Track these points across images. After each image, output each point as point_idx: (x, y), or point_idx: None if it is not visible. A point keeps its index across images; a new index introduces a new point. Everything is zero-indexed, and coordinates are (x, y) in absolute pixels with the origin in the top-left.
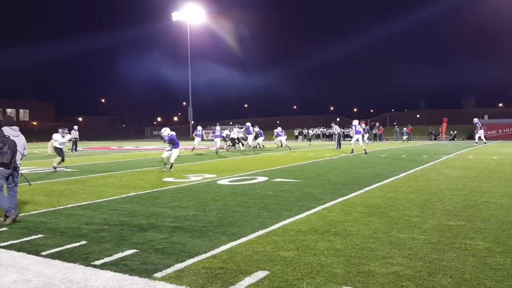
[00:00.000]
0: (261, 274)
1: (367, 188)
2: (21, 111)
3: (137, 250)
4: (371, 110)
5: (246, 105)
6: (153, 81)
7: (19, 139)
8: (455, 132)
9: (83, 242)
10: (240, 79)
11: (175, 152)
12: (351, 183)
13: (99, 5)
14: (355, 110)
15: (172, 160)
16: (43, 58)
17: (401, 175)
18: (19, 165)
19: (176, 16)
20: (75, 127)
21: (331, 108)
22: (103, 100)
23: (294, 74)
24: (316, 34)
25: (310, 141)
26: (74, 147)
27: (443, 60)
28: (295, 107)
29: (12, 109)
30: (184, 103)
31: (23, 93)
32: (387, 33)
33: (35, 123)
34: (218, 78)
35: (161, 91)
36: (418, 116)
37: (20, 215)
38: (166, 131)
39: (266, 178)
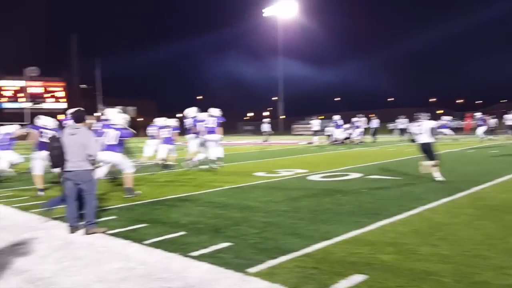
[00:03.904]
0: (358, 278)
1: (476, 188)
2: (128, 108)
3: (231, 244)
4: (478, 102)
5: (337, 99)
6: (243, 77)
7: (75, 138)
8: None
9: (182, 233)
10: (329, 72)
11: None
12: (457, 182)
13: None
14: (457, 101)
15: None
16: (147, 61)
17: None
18: (79, 168)
19: (268, 12)
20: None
21: (433, 100)
22: (200, 97)
23: (386, 64)
24: (408, 21)
25: (402, 135)
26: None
27: None
28: (391, 99)
29: (120, 107)
30: (274, 98)
31: (130, 93)
32: (487, 17)
33: (140, 119)
34: (306, 72)
35: (251, 86)
36: None
37: (124, 205)
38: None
39: (361, 175)
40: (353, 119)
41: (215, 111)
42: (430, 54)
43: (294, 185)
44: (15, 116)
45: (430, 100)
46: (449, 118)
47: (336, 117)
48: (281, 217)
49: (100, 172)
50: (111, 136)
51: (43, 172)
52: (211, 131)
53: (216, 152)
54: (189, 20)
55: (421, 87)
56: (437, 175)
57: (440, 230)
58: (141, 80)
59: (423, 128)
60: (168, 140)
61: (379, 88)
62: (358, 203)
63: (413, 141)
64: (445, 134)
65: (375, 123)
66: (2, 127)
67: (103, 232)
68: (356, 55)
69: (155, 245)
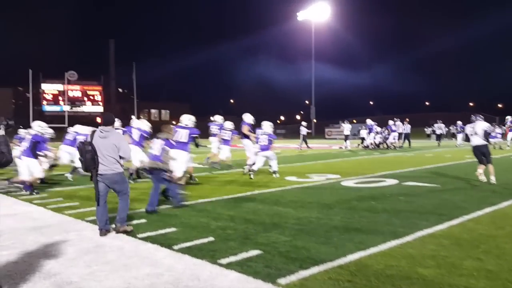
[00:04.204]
0: None
1: None
2: (163, 111)
3: (261, 252)
4: None
5: (371, 102)
6: (274, 81)
7: (107, 141)
8: None
9: (211, 239)
10: (362, 74)
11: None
12: (501, 190)
13: (228, 14)
14: (499, 105)
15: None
16: (181, 65)
17: None
18: (112, 171)
19: (302, 15)
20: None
21: (470, 104)
22: (232, 101)
23: (421, 67)
24: (444, 19)
25: (439, 141)
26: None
27: None
28: (427, 102)
29: (155, 110)
30: (307, 102)
31: (164, 96)
32: None
33: (174, 122)
34: (339, 75)
35: (282, 90)
36: None
37: (153, 210)
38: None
39: (396, 181)
40: (390, 122)
41: (267, 127)
42: (468, 54)
43: (327, 190)
44: (55, 119)
45: (469, 104)
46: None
47: (369, 121)
48: (313, 225)
49: (179, 171)
50: (182, 135)
51: None
52: (265, 148)
53: (258, 163)
54: (223, 24)
55: (459, 90)
56: (493, 179)
57: (484, 243)
58: (175, 83)
59: (476, 129)
60: (227, 142)
61: (415, 91)
62: (394, 212)
63: (468, 141)
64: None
65: (407, 128)
66: (77, 126)
67: (131, 231)
68: (390, 57)
69: (184, 250)
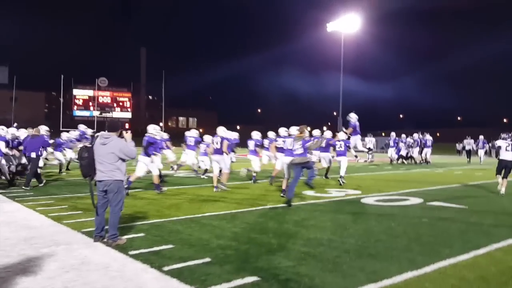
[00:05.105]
0: None
1: None
2: (190, 119)
3: (258, 278)
4: None
5: (401, 116)
6: (301, 91)
7: (106, 147)
8: None
9: (207, 260)
10: (391, 87)
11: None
12: None
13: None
14: None
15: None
16: (209, 74)
17: None
18: (109, 178)
19: (331, 26)
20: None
21: (504, 120)
22: (259, 110)
23: (453, 80)
24: (477, 30)
25: (469, 158)
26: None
27: None
28: (459, 118)
29: (183, 118)
30: (335, 113)
31: (192, 104)
32: None
33: (201, 130)
34: (367, 87)
35: (309, 100)
36: None
37: (155, 221)
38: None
39: (421, 200)
40: (415, 136)
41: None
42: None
43: (344, 208)
44: (85, 123)
45: (504, 120)
46: None
47: (393, 135)
48: (323, 247)
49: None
50: (224, 144)
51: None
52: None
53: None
54: (252, 35)
55: (491, 105)
56: (503, 190)
57: None
58: (203, 92)
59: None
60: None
61: (445, 105)
62: (415, 236)
63: (497, 155)
64: None
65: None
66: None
67: (124, 243)
68: (421, 69)
69: (174, 273)
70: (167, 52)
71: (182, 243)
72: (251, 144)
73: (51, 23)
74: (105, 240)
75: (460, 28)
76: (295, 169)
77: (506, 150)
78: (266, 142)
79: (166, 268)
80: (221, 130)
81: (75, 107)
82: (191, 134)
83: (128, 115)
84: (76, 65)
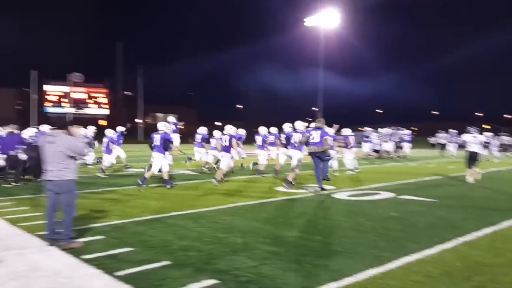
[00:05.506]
0: None
1: None
2: (169, 116)
3: (216, 281)
4: None
5: (378, 111)
6: (281, 87)
7: (54, 146)
8: None
9: (166, 263)
10: (369, 83)
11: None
12: (505, 208)
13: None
14: (505, 116)
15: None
16: (187, 70)
17: None
18: (59, 178)
19: (309, 21)
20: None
21: (479, 114)
22: (239, 106)
23: (430, 77)
24: (453, 31)
25: (442, 150)
26: None
27: None
28: (435, 112)
29: (161, 114)
30: (313, 109)
31: (170, 100)
32: None
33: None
34: (346, 83)
35: (289, 97)
36: None
37: (118, 222)
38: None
39: (393, 195)
40: (388, 130)
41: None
42: (476, 66)
43: (315, 204)
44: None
45: (476, 114)
46: (490, 134)
47: (367, 130)
48: (289, 246)
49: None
50: (232, 143)
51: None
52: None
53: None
54: (230, 31)
55: (466, 101)
56: (471, 180)
57: (478, 273)
58: (182, 88)
59: (478, 140)
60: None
61: (423, 101)
62: (384, 231)
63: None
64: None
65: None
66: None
67: (79, 247)
68: (399, 66)
69: (128, 278)
70: (145, 47)
71: (143, 246)
72: (259, 139)
73: (23, 17)
74: (59, 243)
75: (439, 26)
76: (313, 158)
77: (471, 142)
78: (271, 138)
79: (120, 273)
80: (229, 128)
81: (48, 104)
82: (199, 131)
83: (105, 111)
84: (49, 60)
